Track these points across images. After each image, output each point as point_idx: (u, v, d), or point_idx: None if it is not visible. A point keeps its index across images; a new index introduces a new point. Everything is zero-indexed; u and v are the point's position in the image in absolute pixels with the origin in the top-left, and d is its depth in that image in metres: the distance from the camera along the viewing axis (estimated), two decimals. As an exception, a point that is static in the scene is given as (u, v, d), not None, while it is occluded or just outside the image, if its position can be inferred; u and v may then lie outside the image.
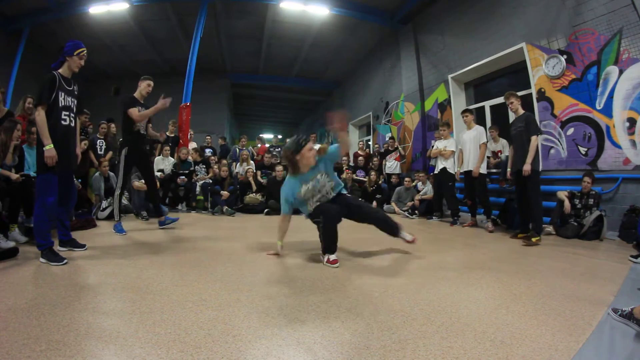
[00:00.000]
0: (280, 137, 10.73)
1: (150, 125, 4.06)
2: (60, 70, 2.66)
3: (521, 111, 4.06)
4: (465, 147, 4.95)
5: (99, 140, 5.92)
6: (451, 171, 5.39)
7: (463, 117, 5.10)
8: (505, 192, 5.55)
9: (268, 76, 13.26)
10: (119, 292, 1.91)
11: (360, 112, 11.57)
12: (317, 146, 9.13)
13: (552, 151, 5.14)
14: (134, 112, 3.71)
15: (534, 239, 3.72)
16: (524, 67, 5.56)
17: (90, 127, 6.21)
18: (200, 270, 2.38)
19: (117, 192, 3.86)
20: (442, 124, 5.84)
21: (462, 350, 1.35)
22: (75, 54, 2.67)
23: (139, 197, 5.19)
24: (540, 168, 5.23)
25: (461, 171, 5.03)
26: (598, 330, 1.58)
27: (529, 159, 3.79)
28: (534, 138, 3.83)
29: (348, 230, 3.44)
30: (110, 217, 4.82)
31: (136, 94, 3.90)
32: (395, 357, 1.30)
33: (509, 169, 4.32)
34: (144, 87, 3.93)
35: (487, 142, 5.00)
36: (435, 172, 5.62)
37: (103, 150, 5.90)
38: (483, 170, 4.84)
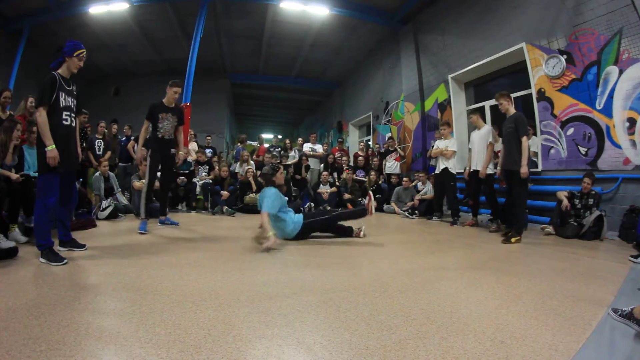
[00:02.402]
0: (280, 137, 10.75)
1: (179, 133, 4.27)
2: (59, 71, 2.65)
3: (512, 111, 4.06)
4: (474, 146, 4.91)
5: (97, 141, 5.91)
6: (453, 171, 5.38)
7: (469, 119, 5.11)
8: (505, 192, 5.55)
9: (268, 76, 13.27)
10: (119, 292, 1.91)
11: (360, 112, 11.57)
12: (317, 146, 9.06)
13: (552, 151, 5.14)
14: (144, 125, 4.04)
15: (513, 239, 3.73)
16: (524, 67, 5.56)
17: (89, 128, 6.19)
18: (200, 270, 2.38)
19: (144, 189, 4.04)
20: (442, 123, 5.83)
21: (462, 350, 1.35)
22: (75, 55, 2.66)
23: (139, 197, 5.18)
24: (540, 168, 5.27)
25: (471, 170, 4.94)
26: (598, 330, 1.58)
27: (524, 161, 3.75)
28: (524, 139, 3.80)
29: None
30: (110, 217, 4.82)
31: (165, 100, 4.06)
32: (395, 357, 1.30)
33: (498, 168, 4.35)
34: (170, 94, 4.06)
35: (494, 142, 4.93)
36: (437, 172, 5.60)
37: (101, 150, 5.90)
38: (491, 170, 4.78)
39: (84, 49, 2.72)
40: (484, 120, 6.60)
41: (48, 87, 2.53)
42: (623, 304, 1.77)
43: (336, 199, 6.74)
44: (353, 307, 1.77)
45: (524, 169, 3.75)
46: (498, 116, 6.51)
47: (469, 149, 5.08)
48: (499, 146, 5.73)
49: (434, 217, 5.81)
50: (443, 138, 5.64)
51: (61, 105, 2.61)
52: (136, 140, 7.02)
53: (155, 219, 4.46)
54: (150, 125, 4.10)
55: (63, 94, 2.62)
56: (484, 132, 4.82)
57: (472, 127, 6.61)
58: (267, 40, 10.26)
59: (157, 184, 5.12)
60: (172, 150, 4.19)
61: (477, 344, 1.40)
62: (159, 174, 4.30)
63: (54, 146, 2.50)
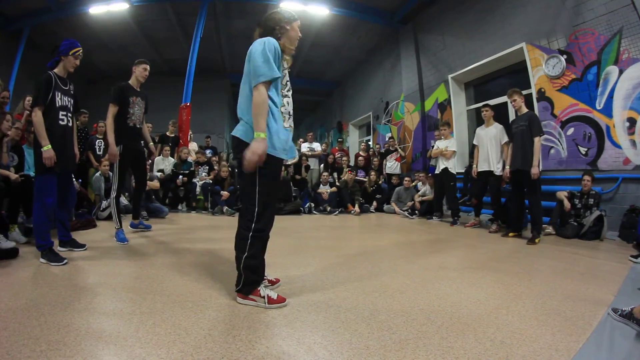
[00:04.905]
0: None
1: (147, 124, 3.73)
2: (55, 70, 2.65)
3: (524, 109, 4.02)
4: (483, 144, 4.69)
5: (97, 141, 5.90)
6: (452, 171, 5.37)
7: (482, 112, 4.86)
8: (505, 192, 5.55)
9: (268, 76, 13.25)
10: (119, 292, 1.91)
11: (360, 112, 11.58)
12: (314, 145, 9.01)
13: (552, 151, 5.14)
14: (111, 112, 3.29)
15: (537, 240, 3.74)
16: (524, 67, 5.56)
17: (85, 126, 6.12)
18: (200, 270, 2.38)
19: (113, 194, 3.41)
20: (442, 124, 5.82)
21: (462, 350, 1.35)
22: (70, 53, 2.66)
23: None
24: (541, 168, 5.26)
25: (479, 170, 4.75)
26: (598, 330, 1.58)
27: (535, 162, 3.74)
28: (537, 139, 3.78)
29: (356, 230, 3.44)
30: (110, 217, 4.81)
31: (131, 81, 3.50)
32: (395, 357, 1.30)
33: (507, 167, 4.21)
34: (139, 72, 3.49)
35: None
36: (437, 172, 5.60)
37: (102, 150, 5.88)
38: (499, 172, 4.54)
39: (80, 47, 2.71)
40: (483, 121, 6.60)
41: (43, 87, 2.52)
42: (623, 304, 1.77)
43: (336, 198, 6.74)
44: (353, 307, 1.77)
45: (535, 170, 3.73)
46: (498, 116, 6.51)
47: (474, 146, 4.89)
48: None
49: (434, 217, 5.81)
50: (443, 138, 5.64)
51: (57, 105, 2.60)
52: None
53: (156, 219, 4.46)
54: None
55: (59, 94, 2.62)
56: (496, 130, 4.60)
57: (472, 127, 6.64)
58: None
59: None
60: (142, 142, 3.65)
61: (477, 344, 1.40)
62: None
63: (49, 146, 2.50)
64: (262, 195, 1.71)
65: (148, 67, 3.56)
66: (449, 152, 5.36)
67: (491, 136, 4.64)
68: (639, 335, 1.56)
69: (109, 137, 3.27)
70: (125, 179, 3.62)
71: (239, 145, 1.75)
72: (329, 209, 6.54)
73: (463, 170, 6.06)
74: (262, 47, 1.69)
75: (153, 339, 1.36)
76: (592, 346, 1.44)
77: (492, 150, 4.59)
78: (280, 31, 1.83)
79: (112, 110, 3.29)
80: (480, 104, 6.89)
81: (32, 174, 3.56)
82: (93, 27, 8.95)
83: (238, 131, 1.78)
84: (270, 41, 1.73)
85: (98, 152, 5.81)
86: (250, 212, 1.73)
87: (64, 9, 8.20)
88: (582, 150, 4.71)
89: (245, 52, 1.87)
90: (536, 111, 5.27)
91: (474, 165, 4.89)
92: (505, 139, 4.52)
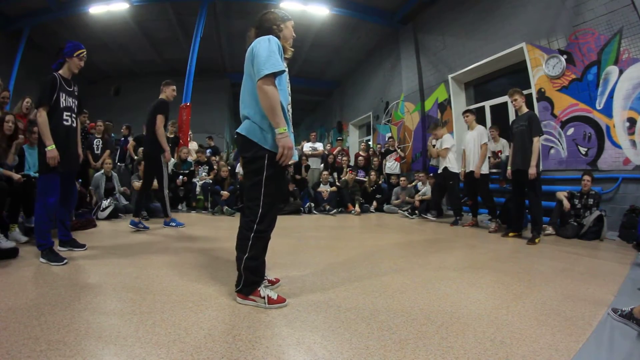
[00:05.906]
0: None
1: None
2: (60, 72, 2.67)
3: (525, 109, 4.03)
4: (468, 147, 4.92)
5: (95, 140, 5.88)
6: (452, 170, 5.38)
7: (464, 118, 5.10)
8: (505, 192, 5.55)
9: (268, 76, 13.24)
10: (119, 292, 1.91)
11: (360, 112, 11.57)
12: (317, 144, 8.97)
13: (552, 151, 5.14)
14: (163, 122, 3.91)
15: (537, 240, 3.74)
16: (524, 67, 5.56)
17: (87, 123, 6.12)
18: (200, 270, 2.38)
19: (166, 191, 4.24)
20: (432, 127, 5.84)
21: (462, 350, 1.35)
22: (75, 55, 2.68)
23: (154, 197, 5.20)
24: (541, 168, 5.27)
25: (466, 171, 4.94)
26: (598, 330, 1.58)
27: (533, 162, 3.74)
28: (536, 139, 3.78)
29: (356, 230, 3.44)
30: (110, 217, 4.83)
31: (163, 97, 4.06)
32: (395, 357, 1.30)
33: (509, 168, 4.24)
34: (169, 92, 4.08)
35: (488, 142, 4.96)
36: (439, 171, 5.60)
37: (100, 149, 5.86)
38: (485, 170, 4.80)
39: (84, 49, 2.74)
40: (484, 121, 6.62)
41: (48, 87, 2.55)
42: (623, 304, 1.77)
43: (336, 198, 6.75)
44: (353, 307, 1.77)
45: (532, 170, 3.74)
46: (498, 116, 6.54)
47: (463, 150, 5.07)
48: (498, 146, 5.77)
49: (429, 215, 5.80)
50: (436, 139, 5.69)
51: (62, 106, 2.63)
52: (136, 140, 7.02)
53: (157, 219, 4.47)
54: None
55: (64, 95, 2.64)
56: (477, 132, 4.83)
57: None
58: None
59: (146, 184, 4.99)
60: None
61: (477, 344, 1.40)
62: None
63: (53, 146, 2.52)
64: (266, 197, 1.72)
65: (175, 87, 4.14)
66: (442, 151, 5.37)
67: (473, 138, 4.86)
68: (639, 335, 1.56)
69: (164, 144, 3.97)
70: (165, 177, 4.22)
71: (245, 143, 1.75)
72: (328, 208, 6.54)
73: (459, 171, 6.06)
74: (267, 43, 1.70)
75: (153, 339, 1.36)
76: (592, 346, 1.44)
77: (473, 151, 4.82)
78: (278, 30, 1.86)
79: (163, 121, 3.93)
80: (480, 104, 6.93)
81: (32, 173, 3.57)
82: (93, 27, 8.95)
83: (243, 129, 1.78)
84: (274, 38, 1.76)
85: (96, 152, 5.81)
86: (253, 212, 1.73)
87: (64, 9, 8.19)
88: (582, 150, 4.72)
89: (245, 52, 1.87)
90: (536, 111, 5.27)
91: (462, 168, 5.09)
92: (485, 140, 4.77)
